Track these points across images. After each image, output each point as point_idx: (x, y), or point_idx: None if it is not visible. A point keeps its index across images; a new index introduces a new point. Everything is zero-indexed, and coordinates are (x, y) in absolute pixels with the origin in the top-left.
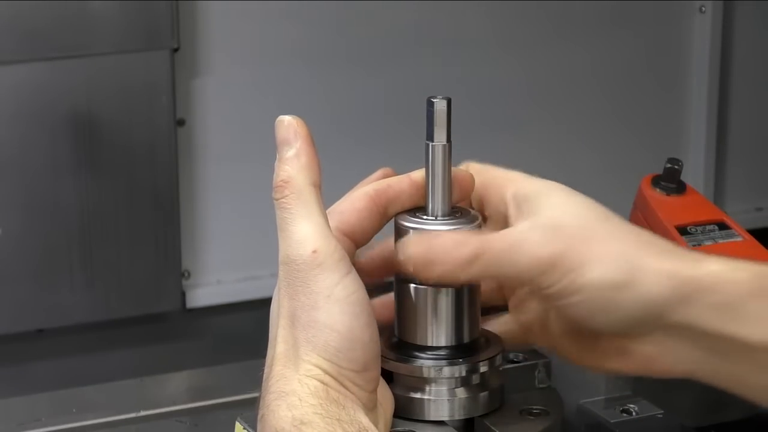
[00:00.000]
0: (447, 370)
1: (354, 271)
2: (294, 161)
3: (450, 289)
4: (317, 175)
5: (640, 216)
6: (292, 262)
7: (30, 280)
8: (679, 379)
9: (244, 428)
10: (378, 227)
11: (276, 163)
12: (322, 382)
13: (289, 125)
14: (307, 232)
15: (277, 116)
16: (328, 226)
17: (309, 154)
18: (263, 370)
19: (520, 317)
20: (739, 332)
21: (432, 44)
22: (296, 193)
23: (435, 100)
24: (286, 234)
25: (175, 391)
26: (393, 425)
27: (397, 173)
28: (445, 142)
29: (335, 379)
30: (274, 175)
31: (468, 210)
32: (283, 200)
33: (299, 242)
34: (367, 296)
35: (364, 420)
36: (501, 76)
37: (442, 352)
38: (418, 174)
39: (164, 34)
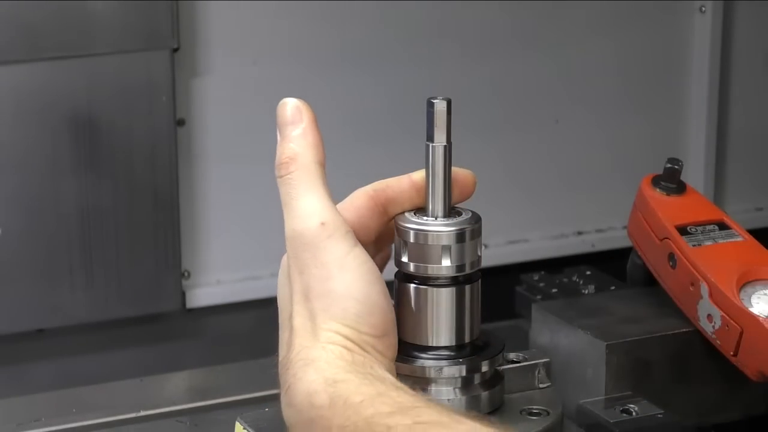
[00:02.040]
0: (447, 370)
1: (360, 245)
2: (300, 139)
3: (451, 289)
4: (323, 156)
5: (640, 216)
6: (299, 236)
7: (30, 280)
8: (679, 379)
9: (244, 428)
10: (378, 226)
11: (279, 142)
12: (346, 348)
13: (294, 106)
14: (314, 205)
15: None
16: (333, 203)
17: (315, 134)
18: (277, 358)
19: None
20: None
21: (432, 44)
22: (302, 170)
23: (435, 101)
24: (292, 208)
25: (175, 391)
26: None
27: (397, 174)
28: (445, 143)
29: (357, 344)
30: (278, 154)
31: (468, 210)
32: (288, 176)
33: (306, 216)
34: (377, 267)
35: (394, 379)
36: (500, 76)
37: (443, 352)
38: (419, 174)
39: (164, 34)
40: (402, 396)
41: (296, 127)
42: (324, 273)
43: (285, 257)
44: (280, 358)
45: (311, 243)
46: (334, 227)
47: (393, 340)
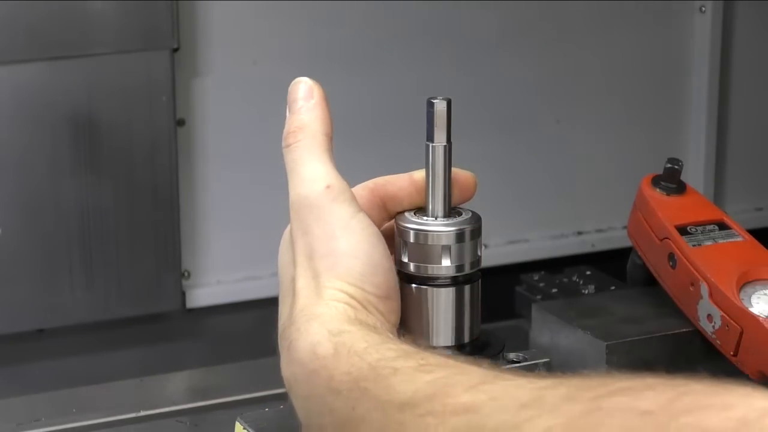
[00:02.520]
0: None
1: (364, 211)
2: (309, 111)
3: (450, 289)
4: (331, 129)
5: (640, 216)
6: (304, 199)
7: (30, 280)
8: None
9: (244, 428)
10: (377, 221)
11: (288, 116)
12: (350, 305)
13: (308, 85)
14: (319, 170)
15: (277, 116)
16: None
17: (324, 109)
18: (277, 327)
19: None
20: None
21: (432, 44)
22: (309, 138)
23: (435, 101)
24: (297, 174)
25: (175, 391)
26: None
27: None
28: (445, 143)
29: (360, 303)
30: (286, 125)
31: (468, 210)
32: (295, 144)
33: (312, 180)
34: (380, 232)
35: (397, 339)
36: (500, 76)
37: (443, 352)
38: (419, 173)
39: (164, 34)
40: (406, 345)
41: (307, 102)
42: (328, 233)
43: (286, 230)
44: (280, 323)
45: (316, 205)
46: (339, 191)
47: (395, 305)
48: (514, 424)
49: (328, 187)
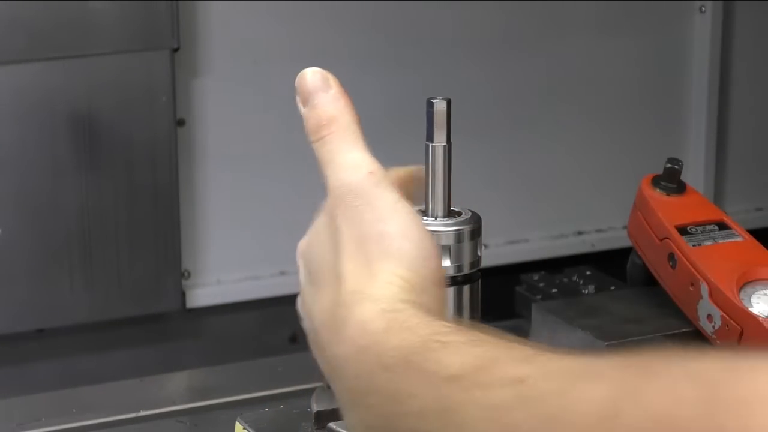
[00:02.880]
0: None
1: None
2: (335, 102)
3: (450, 289)
4: (358, 117)
5: (640, 216)
6: (347, 185)
7: (30, 280)
8: None
9: (244, 428)
10: None
11: (309, 108)
12: (403, 288)
13: (320, 75)
14: (359, 158)
15: (277, 117)
16: None
17: (347, 97)
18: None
19: None
20: None
21: (432, 44)
22: (342, 129)
23: (435, 101)
24: (337, 163)
25: (175, 391)
26: None
27: None
28: (444, 143)
29: (414, 287)
30: (312, 118)
31: (468, 210)
32: (329, 136)
33: (354, 167)
34: None
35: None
36: (500, 76)
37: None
38: (417, 166)
39: (164, 34)
40: (460, 323)
41: (326, 92)
42: (377, 217)
43: (319, 220)
44: (319, 311)
45: (362, 191)
46: (382, 176)
47: (444, 294)
48: (562, 391)
49: (371, 173)
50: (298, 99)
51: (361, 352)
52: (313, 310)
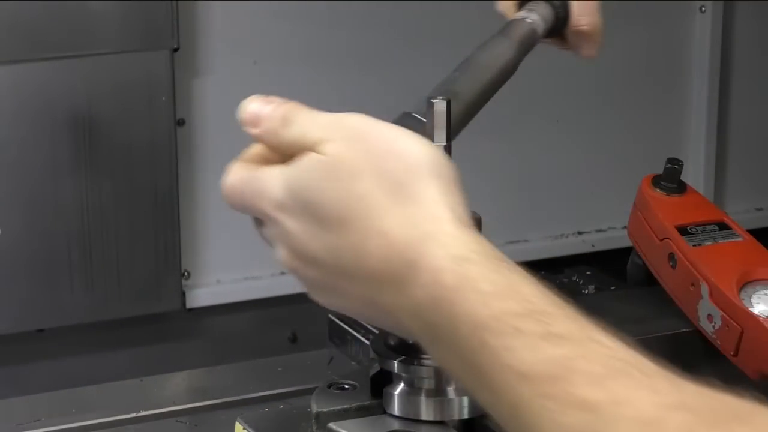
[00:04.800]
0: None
1: None
2: (284, 104)
3: None
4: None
5: (640, 216)
6: (341, 129)
7: (30, 280)
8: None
9: (244, 428)
10: None
11: (264, 122)
12: (449, 207)
13: (256, 99)
14: (336, 114)
15: None
16: None
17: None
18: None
19: None
20: None
21: (432, 44)
22: (305, 110)
23: (435, 101)
24: (315, 125)
25: (175, 391)
26: (392, 426)
27: None
28: (444, 143)
29: (454, 198)
30: (269, 126)
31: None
32: (295, 117)
33: (337, 118)
34: None
35: (516, 266)
36: None
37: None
38: None
39: (164, 34)
40: (533, 291)
41: (271, 103)
42: (385, 139)
43: (304, 165)
44: (379, 260)
45: (356, 125)
46: (365, 116)
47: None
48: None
49: (356, 114)
50: (247, 127)
51: (436, 302)
52: (333, 251)
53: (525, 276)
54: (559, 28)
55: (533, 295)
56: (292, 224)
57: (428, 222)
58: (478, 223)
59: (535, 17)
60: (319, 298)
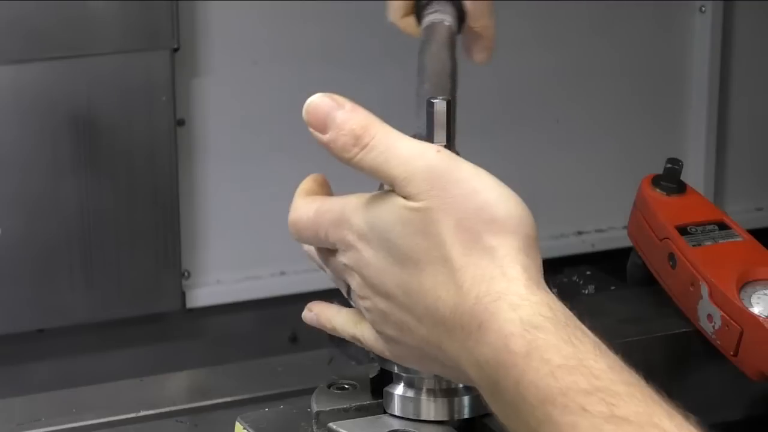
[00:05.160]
0: None
1: None
2: (358, 112)
3: None
4: None
5: (640, 216)
6: (424, 170)
7: (30, 280)
8: (679, 379)
9: (244, 428)
10: None
11: (332, 131)
12: (523, 266)
13: (326, 97)
14: (417, 144)
15: (277, 116)
16: None
17: (360, 107)
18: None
19: None
20: None
21: None
22: (382, 128)
23: (435, 101)
24: (398, 157)
25: (175, 391)
26: (392, 426)
27: None
28: (444, 143)
29: (527, 253)
30: (341, 137)
31: None
32: (372, 141)
33: (420, 153)
34: None
35: (584, 329)
36: (500, 76)
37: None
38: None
39: (164, 34)
40: (601, 366)
41: (342, 108)
42: (467, 189)
43: (388, 209)
44: (448, 306)
45: (441, 170)
46: (449, 152)
47: (539, 252)
48: None
49: (438, 151)
50: (312, 130)
51: (502, 367)
52: (406, 288)
53: (595, 345)
54: (458, 30)
55: (602, 371)
56: (370, 254)
57: (500, 280)
58: None
59: (449, 18)
60: (384, 331)
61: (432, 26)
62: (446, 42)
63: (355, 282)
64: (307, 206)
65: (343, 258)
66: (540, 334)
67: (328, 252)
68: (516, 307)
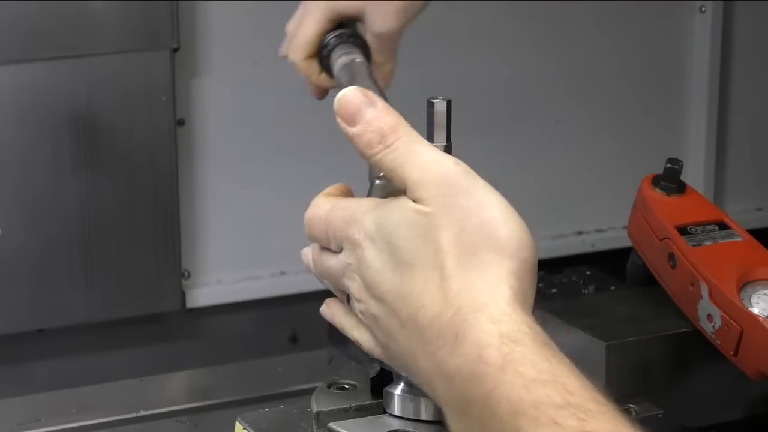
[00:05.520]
0: None
1: None
2: (389, 112)
3: None
4: None
5: (640, 216)
6: (438, 179)
7: (30, 280)
8: (679, 379)
9: (244, 428)
10: None
11: (361, 125)
12: (512, 288)
13: (360, 92)
14: (437, 153)
15: (277, 117)
16: None
17: (392, 108)
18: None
19: None
20: None
21: (432, 44)
22: (409, 132)
23: (435, 101)
24: (417, 162)
25: (175, 391)
26: (392, 426)
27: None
28: (445, 143)
29: (520, 280)
30: (368, 132)
31: None
32: (397, 141)
33: (438, 162)
34: None
35: (557, 350)
36: (500, 76)
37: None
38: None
39: (164, 34)
40: (575, 384)
41: (374, 106)
42: (475, 204)
43: (398, 209)
44: (429, 315)
45: (455, 182)
46: (466, 167)
47: (536, 279)
48: None
49: (456, 164)
50: (340, 121)
51: (474, 378)
52: (396, 292)
53: (571, 367)
54: None
55: (576, 388)
56: (373, 256)
57: (485, 295)
58: None
59: (359, 56)
60: (376, 335)
61: (349, 66)
62: (369, 76)
63: (355, 285)
64: (323, 204)
65: (346, 258)
66: (517, 348)
67: (331, 254)
68: (496, 321)
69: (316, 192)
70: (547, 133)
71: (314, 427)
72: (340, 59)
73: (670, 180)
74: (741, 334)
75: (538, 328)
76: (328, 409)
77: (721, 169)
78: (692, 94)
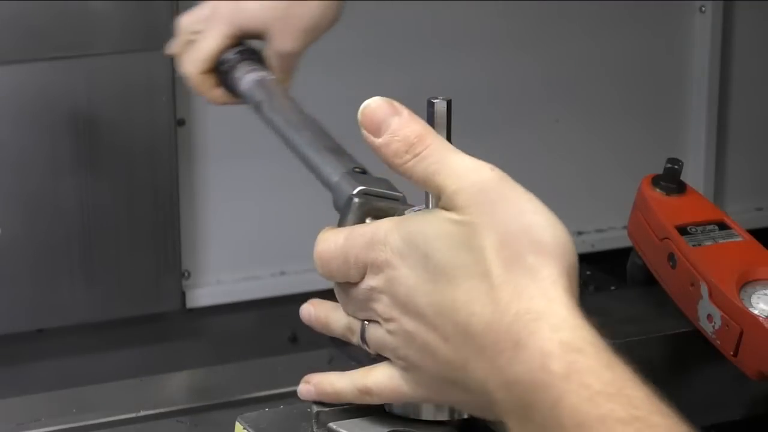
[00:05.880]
0: None
1: None
2: (415, 121)
3: None
4: None
5: (640, 216)
6: (474, 186)
7: (30, 280)
8: (679, 379)
9: (244, 428)
10: None
11: (387, 135)
12: (564, 288)
13: (384, 101)
14: (471, 160)
15: None
16: None
17: (417, 116)
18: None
19: None
20: None
21: (432, 45)
22: (438, 140)
23: (435, 101)
24: (451, 170)
25: (175, 391)
26: (392, 426)
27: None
28: None
29: (571, 284)
30: (395, 142)
31: None
32: (426, 150)
33: (473, 168)
34: None
35: (616, 359)
36: (500, 76)
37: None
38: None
39: (164, 34)
40: (639, 395)
41: (399, 115)
42: (516, 210)
43: (435, 222)
44: (482, 322)
45: (493, 188)
46: (502, 172)
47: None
48: None
49: (492, 170)
50: (365, 132)
51: (539, 387)
52: (438, 306)
53: (632, 375)
54: None
55: (639, 400)
56: (405, 272)
57: (540, 299)
58: None
59: (267, 73)
60: (407, 356)
61: (263, 82)
62: (286, 93)
63: (381, 305)
64: (334, 236)
65: (371, 281)
66: (580, 357)
67: (349, 286)
68: (557, 329)
69: (316, 192)
70: (547, 133)
71: (314, 427)
72: (248, 75)
73: (670, 180)
74: (741, 334)
75: (594, 332)
76: (328, 409)
77: (721, 169)
78: (692, 94)
